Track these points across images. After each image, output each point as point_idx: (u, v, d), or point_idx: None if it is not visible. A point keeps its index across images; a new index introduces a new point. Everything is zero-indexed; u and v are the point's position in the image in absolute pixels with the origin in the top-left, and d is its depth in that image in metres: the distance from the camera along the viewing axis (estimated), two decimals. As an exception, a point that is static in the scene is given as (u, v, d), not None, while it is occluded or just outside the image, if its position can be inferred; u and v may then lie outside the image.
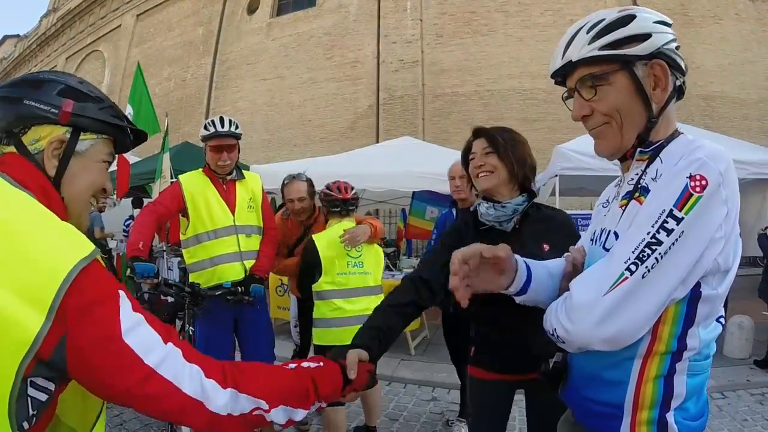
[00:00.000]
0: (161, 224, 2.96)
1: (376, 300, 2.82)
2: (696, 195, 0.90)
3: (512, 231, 1.65)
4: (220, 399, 0.91)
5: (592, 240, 1.20)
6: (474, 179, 1.72)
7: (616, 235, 1.04)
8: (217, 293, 2.76)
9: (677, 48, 1.04)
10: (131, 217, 7.95)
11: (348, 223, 3.04)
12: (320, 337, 2.99)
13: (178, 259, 7.84)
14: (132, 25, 22.25)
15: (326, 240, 2.99)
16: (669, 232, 0.91)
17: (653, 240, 0.92)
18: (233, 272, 2.90)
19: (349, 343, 1.32)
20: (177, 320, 3.35)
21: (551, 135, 12.65)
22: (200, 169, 3.06)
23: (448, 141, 12.67)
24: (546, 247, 1.58)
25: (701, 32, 14.24)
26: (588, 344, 0.97)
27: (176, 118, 17.25)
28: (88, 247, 0.82)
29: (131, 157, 10.25)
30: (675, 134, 1.05)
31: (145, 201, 8.57)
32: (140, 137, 1.12)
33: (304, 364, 1.12)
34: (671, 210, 0.91)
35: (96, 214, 8.73)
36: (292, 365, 1.12)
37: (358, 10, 16.38)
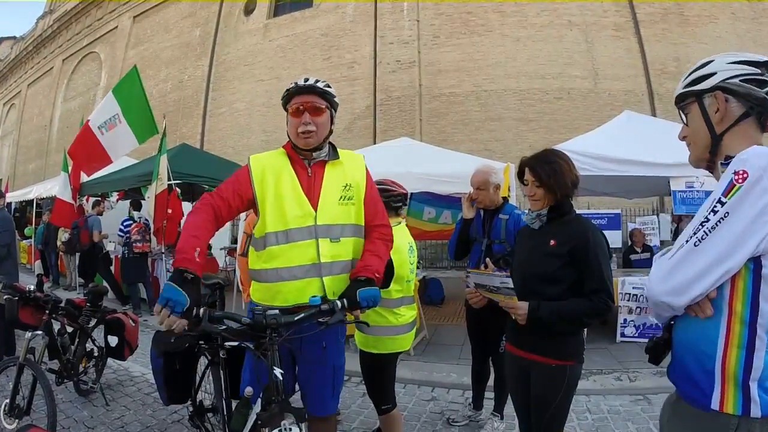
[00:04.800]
0: (220, 223, 2.05)
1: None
2: (738, 185, 1.15)
3: (538, 228, 2.20)
4: None
5: None
6: (528, 198, 2.25)
7: None
8: (296, 318, 1.83)
9: (751, 80, 1.27)
10: (131, 219, 7.85)
11: (404, 221, 2.89)
12: (389, 346, 2.74)
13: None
14: (129, 27, 22.23)
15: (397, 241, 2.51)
16: (715, 212, 1.18)
17: (705, 219, 1.20)
18: (308, 292, 1.98)
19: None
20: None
21: (548, 135, 12.66)
22: (281, 148, 2.27)
23: (446, 141, 12.70)
24: (552, 242, 2.09)
25: (697, 31, 14.29)
26: (656, 294, 1.26)
27: (173, 120, 17.25)
28: None
29: (129, 159, 10.23)
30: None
31: (143, 203, 8.51)
32: None
33: None
34: (719, 198, 1.18)
35: (95, 218, 8.72)
36: None
37: (355, 11, 16.40)
